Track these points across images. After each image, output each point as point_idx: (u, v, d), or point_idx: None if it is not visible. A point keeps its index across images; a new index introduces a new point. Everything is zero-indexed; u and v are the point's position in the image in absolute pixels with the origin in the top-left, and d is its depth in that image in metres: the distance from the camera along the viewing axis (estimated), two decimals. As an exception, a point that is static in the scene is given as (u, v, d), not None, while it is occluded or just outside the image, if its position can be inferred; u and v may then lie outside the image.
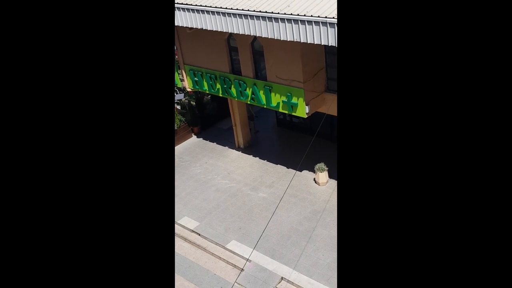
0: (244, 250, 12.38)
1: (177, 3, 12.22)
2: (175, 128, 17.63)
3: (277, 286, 11.33)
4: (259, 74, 13.58)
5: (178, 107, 18.88)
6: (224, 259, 12.43)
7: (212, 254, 12.66)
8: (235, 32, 11.45)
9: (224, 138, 17.91)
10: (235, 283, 11.28)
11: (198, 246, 13.03)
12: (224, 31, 11.67)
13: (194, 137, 18.41)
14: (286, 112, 13.46)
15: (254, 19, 10.69)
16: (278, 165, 15.90)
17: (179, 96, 18.64)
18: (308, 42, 9.96)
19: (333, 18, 9.23)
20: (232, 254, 12.47)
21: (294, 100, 12.76)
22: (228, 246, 12.71)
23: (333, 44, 9.52)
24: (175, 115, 17.82)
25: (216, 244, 12.90)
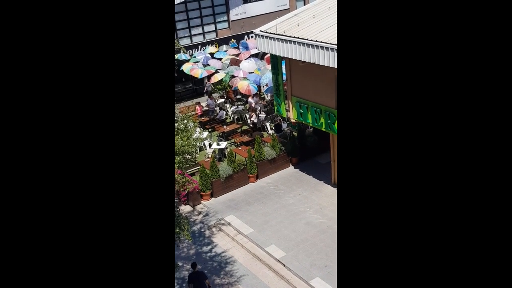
0: (327, 289, 12.12)
1: (293, 37, 12.58)
2: (275, 156, 17.90)
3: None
4: (365, 113, 13.43)
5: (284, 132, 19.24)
6: (306, 295, 12.25)
7: None
8: (346, 70, 11.49)
9: (321, 172, 17.81)
10: (314, 322, 11.03)
11: (282, 277, 12.98)
12: (336, 67, 11.77)
13: (291, 167, 18.55)
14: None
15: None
16: (373, 207, 15.45)
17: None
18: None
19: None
20: (315, 292, 12.25)
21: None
22: (312, 282, 12.50)
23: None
24: (276, 143, 18.11)
25: (300, 278, 12.75)
